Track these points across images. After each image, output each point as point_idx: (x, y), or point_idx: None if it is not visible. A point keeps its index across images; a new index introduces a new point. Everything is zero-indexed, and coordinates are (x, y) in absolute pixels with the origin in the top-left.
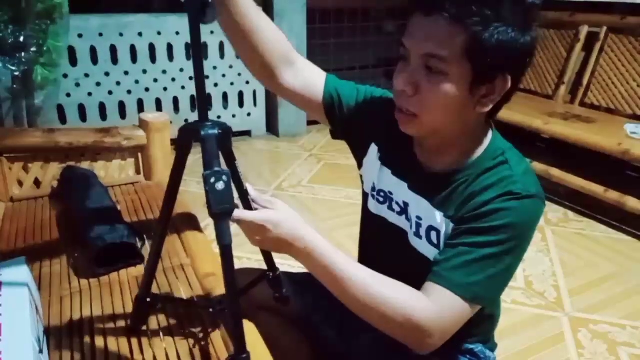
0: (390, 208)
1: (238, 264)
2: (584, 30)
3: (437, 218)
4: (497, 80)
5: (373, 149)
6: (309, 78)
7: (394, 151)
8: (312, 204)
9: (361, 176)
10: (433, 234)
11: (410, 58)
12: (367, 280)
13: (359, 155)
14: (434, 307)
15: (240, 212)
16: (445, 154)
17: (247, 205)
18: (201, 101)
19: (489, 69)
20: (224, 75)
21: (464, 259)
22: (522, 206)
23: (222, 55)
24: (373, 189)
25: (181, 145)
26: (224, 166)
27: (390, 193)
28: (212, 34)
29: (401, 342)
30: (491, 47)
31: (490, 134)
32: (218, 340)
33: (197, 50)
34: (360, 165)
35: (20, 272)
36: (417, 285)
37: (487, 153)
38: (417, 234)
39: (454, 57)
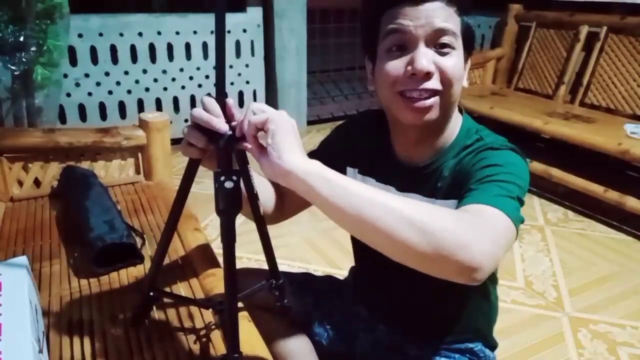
0: None
1: (238, 264)
2: (584, 30)
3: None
4: (469, 59)
5: (349, 172)
6: (297, 198)
7: (372, 161)
8: None
9: None
10: None
11: (418, 42)
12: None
13: None
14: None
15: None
16: (425, 144)
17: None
18: (219, 102)
19: (470, 47)
20: None
21: (481, 186)
22: (508, 152)
23: None
24: None
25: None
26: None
27: None
28: (211, 34)
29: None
30: (469, 27)
31: (461, 117)
32: (218, 340)
33: (221, 51)
34: None
35: (20, 272)
36: (417, 279)
37: (461, 134)
38: None
39: (458, 32)
